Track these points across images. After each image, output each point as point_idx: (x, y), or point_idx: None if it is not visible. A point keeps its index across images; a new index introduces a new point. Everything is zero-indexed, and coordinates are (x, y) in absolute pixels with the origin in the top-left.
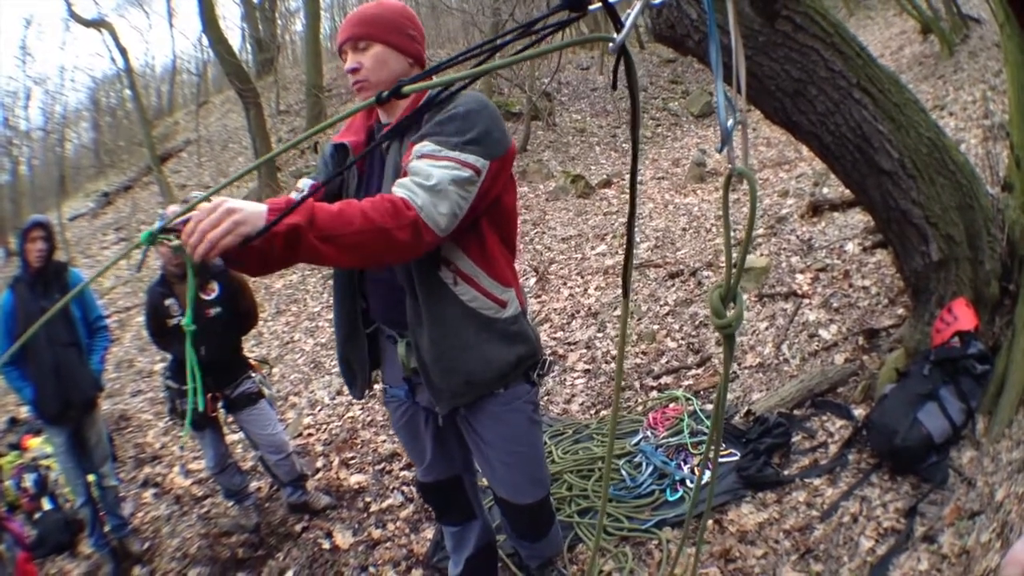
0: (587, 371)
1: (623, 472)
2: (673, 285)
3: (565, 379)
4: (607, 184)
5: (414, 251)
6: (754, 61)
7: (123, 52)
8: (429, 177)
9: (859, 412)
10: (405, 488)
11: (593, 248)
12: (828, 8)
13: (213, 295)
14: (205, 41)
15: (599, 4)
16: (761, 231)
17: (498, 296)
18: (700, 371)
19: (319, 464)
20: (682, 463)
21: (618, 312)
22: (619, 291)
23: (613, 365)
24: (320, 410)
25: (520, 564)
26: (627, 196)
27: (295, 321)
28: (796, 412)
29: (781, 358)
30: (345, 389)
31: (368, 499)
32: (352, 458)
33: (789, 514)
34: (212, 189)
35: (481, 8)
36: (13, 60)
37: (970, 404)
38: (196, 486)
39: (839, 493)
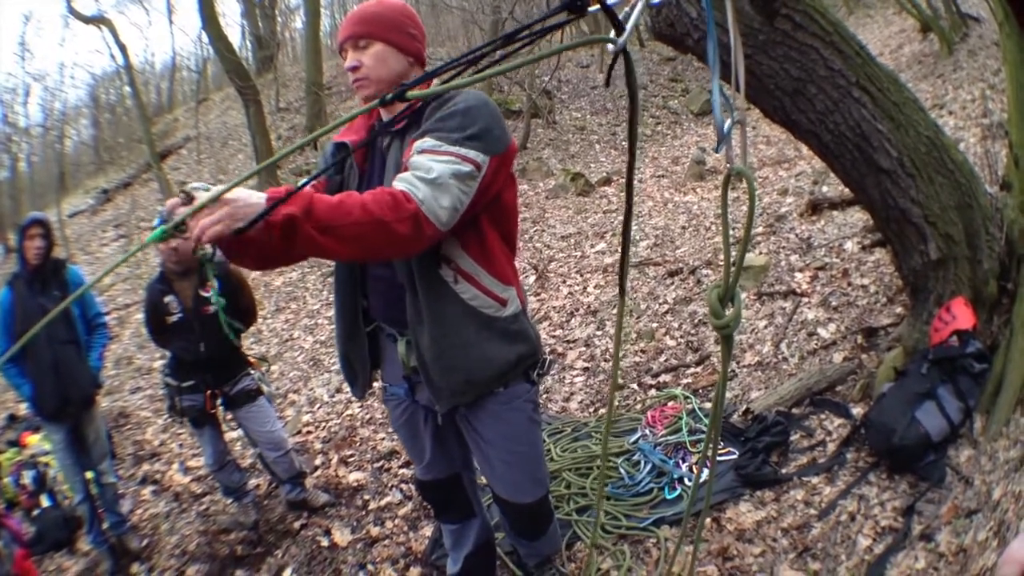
0: (586, 369)
1: (621, 470)
2: (672, 283)
3: (564, 377)
4: (607, 182)
5: (415, 245)
6: (753, 60)
7: (123, 49)
8: (430, 171)
9: (857, 411)
10: (404, 486)
11: (592, 246)
12: (827, 6)
13: (212, 292)
14: (205, 38)
15: (597, 6)
16: (760, 229)
17: (499, 294)
18: (699, 369)
19: (318, 462)
20: (680, 461)
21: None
22: (618, 289)
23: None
24: (319, 408)
25: (518, 562)
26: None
27: (294, 319)
28: (794, 411)
29: (780, 356)
30: (344, 387)
31: (367, 497)
32: (351, 456)
33: (787, 512)
34: (217, 190)
35: (481, 6)
36: (12, 56)
37: (968, 403)
38: (195, 483)
39: (837, 491)
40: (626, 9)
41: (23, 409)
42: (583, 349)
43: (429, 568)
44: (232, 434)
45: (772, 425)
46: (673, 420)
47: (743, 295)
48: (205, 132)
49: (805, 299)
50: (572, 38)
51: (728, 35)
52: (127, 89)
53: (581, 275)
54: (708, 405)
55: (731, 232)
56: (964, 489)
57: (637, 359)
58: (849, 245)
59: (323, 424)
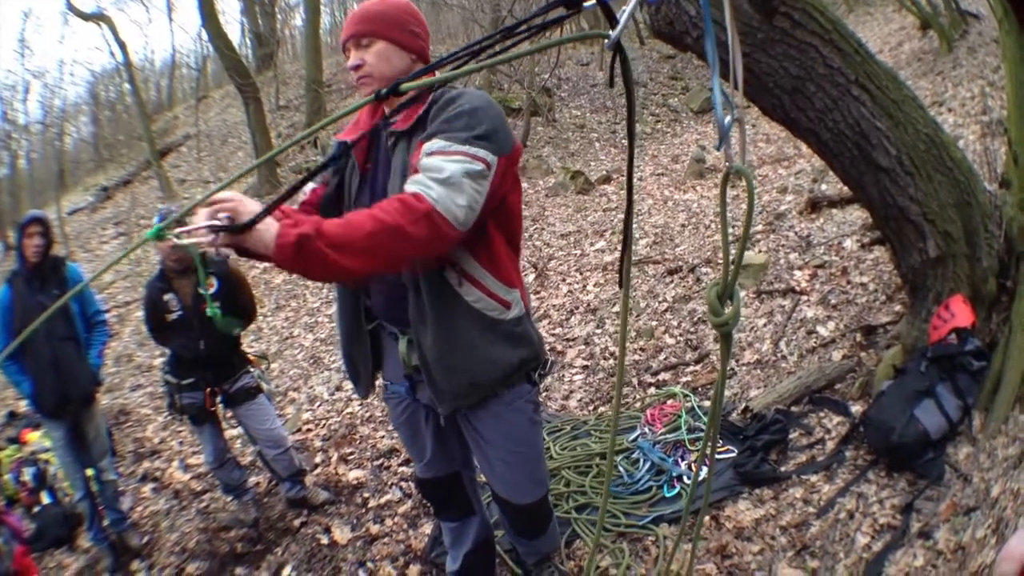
0: (585, 367)
1: (620, 468)
2: (672, 281)
3: (564, 375)
4: (606, 180)
5: (435, 246)
6: (752, 58)
7: (122, 46)
8: (441, 171)
9: (856, 409)
10: (403, 484)
11: (592, 244)
12: (826, 4)
13: (212, 290)
14: (205, 36)
15: (593, 1)
16: (760, 227)
17: (503, 297)
18: (698, 367)
19: (318, 459)
20: (679, 459)
21: (617, 308)
22: (618, 287)
23: (611, 361)
24: (319, 406)
25: (517, 560)
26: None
27: (294, 316)
28: (793, 409)
29: (779, 355)
30: (344, 384)
31: (366, 495)
32: (351, 454)
33: (786, 510)
34: (211, 192)
35: (480, 4)
36: (12, 53)
37: (967, 401)
38: (195, 481)
39: (836, 489)
40: (624, 7)
41: (23, 406)
42: (582, 347)
43: (428, 566)
44: (232, 432)
45: (771, 423)
46: (672, 418)
47: (742, 293)
48: (205, 130)
49: (804, 297)
50: (570, 34)
51: (726, 33)
52: (127, 86)
53: (581, 273)
54: (707, 403)
55: (730, 231)
56: (963, 487)
57: (636, 357)
58: (848, 243)
59: (323, 422)
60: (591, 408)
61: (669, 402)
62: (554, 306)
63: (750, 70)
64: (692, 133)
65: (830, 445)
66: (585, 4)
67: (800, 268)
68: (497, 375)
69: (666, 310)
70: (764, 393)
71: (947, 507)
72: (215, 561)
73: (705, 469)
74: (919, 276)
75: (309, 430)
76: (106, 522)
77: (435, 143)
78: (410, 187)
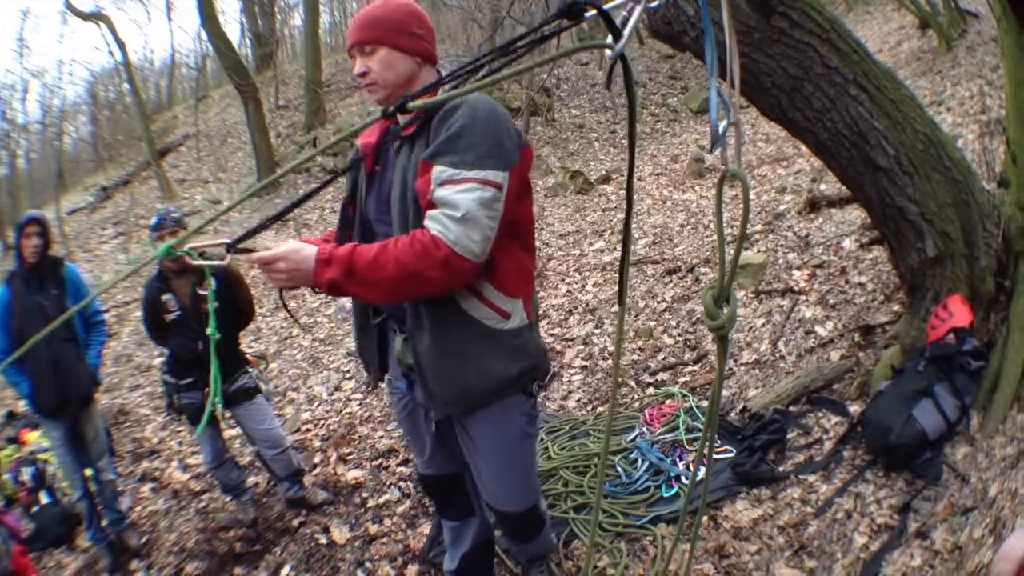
0: (584, 367)
1: (619, 468)
2: (670, 281)
3: (562, 375)
4: (606, 180)
5: (451, 283)
6: (750, 58)
7: (121, 46)
8: (456, 207)
9: (854, 408)
10: (402, 484)
11: (591, 244)
12: (826, 4)
13: (210, 290)
14: (204, 35)
15: (594, 12)
16: (758, 227)
17: (501, 307)
18: (696, 367)
19: (316, 459)
20: (677, 459)
21: (615, 308)
22: (617, 288)
23: (610, 362)
24: (318, 406)
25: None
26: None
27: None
28: (792, 408)
29: (777, 355)
30: (343, 384)
31: (365, 494)
32: (349, 454)
33: (783, 510)
34: (216, 214)
35: (479, 5)
36: (10, 53)
37: (964, 400)
38: (194, 481)
39: (833, 489)
40: (623, 13)
41: (22, 406)
42: (581, 347)
43: (427, 566)
44: (231, 432)
45: (769, 423)
46: (670, 418)
47: (740, 294)
48: (204, 129)
49: (803, 297)
50: (572, 38)
51: (724, 33)
52: (126, 86)
53: (580, 273)
54: (705, 403)
55: (728, 231)
56: (960, 486)
57: (635, 357)
58: (847, 243)
59: (322, 422)
60: (589, 408)
61: (667, 402)
62: (553, 306)
63: (748, 70)
64: (691, 133)
65: (828, 445)
66: (586, 14)
67: (799, 268)
68: (490, 386)
69: (665, 310)
70: (762, 393)
71: (945, 507)
72: (214, 561)
73: (703, 469)
74: (917, 276)
75: (308, 430)
76: (105, 522)
77: (444, 170)
78: (429, 224)
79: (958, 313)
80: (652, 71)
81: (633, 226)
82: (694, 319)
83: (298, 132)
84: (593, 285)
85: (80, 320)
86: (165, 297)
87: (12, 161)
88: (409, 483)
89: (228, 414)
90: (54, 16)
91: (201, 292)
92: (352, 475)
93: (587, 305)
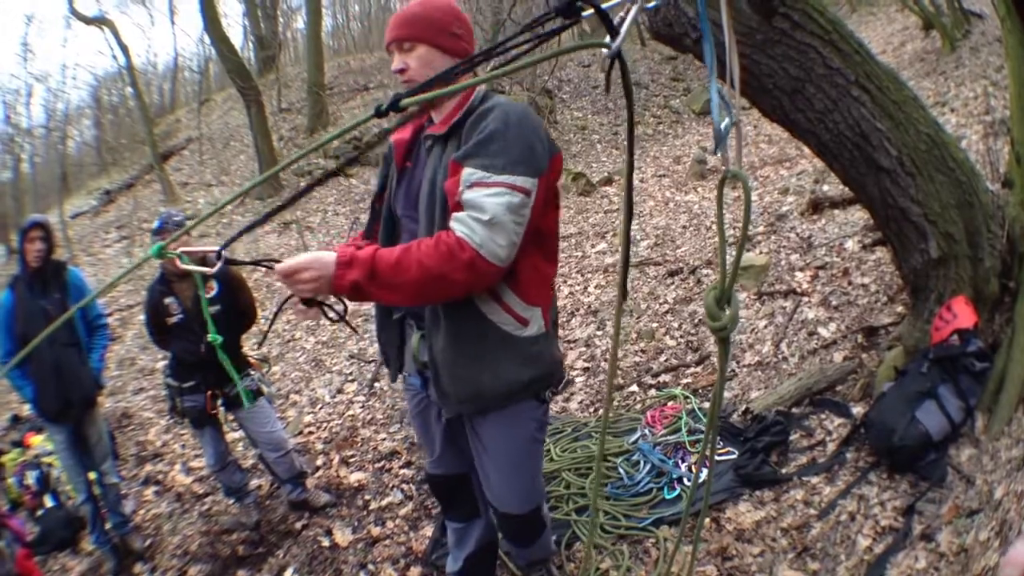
0: (586, 369)
1: (620, 470)
2: (672, 283)
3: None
4: (608, 182)
5: (475, 287)
6: (752, 59)
7: (125, 50)
8: (484, 210)
9: (857, 410)
10: (404, 486)
11: (593, 246)
12: (828, 5)
13: (212, 293)
14: (207, 39)
15: (591, 11)
16: (761, 229)
17: (520, 314)
18: (699, 369)
19: (319, 462)
20: (680, 461)
21: None
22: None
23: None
24: (320, 408)
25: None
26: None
27: (296, 319)
28: (794, 410)
29: (780, 356)
30: (345, 387)
31: (368, 497)
32: (352, 456)
33: (786, 512)
34: (211, 212)
35: (480, 6)
36: (15, 57)
37: (969, 402)
38: (197, 484)
39: (837, 491)
40: (620, 13)
41: (27, 410)
42: (583, 349)
43: (429, 568)
44: (233, 435)
45: (772, 425)
46: (672, 420)
47: (743, 295)
48: (207, 133)
49: (805, 298)
50: (573, 37)
51: (724, 33)
52: (129, 90)
53: (582, 275)
54: (708, 405)
55: (730, 232)
56: (965, 488)
57: (637, 359)
58: (850, 244)
59: (324, 425)
60: (592, 410)
61: (670, 404)
62: None
63: (750, 71)
64: (694, 134)
65: (831, 447)
66: (584, 13)
67: (801, 269)
68: (503, 389)
69: (667, 312)
70: (765, 394)
71: (949, 509)
72: (217, 564)
73: (705, 471)
74: (921, 277)
75: (310, 433)
76: (108, 525)
77: (474, 174)
78: (455, 226)
79: (962, 314)
80: (654, 73)
81: (635, 228)
82: (696, 321)
83: (301, 135)
84: (595, 287)
85: (83, 324)
86: (167, 300)
87: (16, 165)
88: (412, 485)
89: (231, 417)
90: (58, 20)
91: (204, 295)
92: (355, 477)
93: (589, 307)
